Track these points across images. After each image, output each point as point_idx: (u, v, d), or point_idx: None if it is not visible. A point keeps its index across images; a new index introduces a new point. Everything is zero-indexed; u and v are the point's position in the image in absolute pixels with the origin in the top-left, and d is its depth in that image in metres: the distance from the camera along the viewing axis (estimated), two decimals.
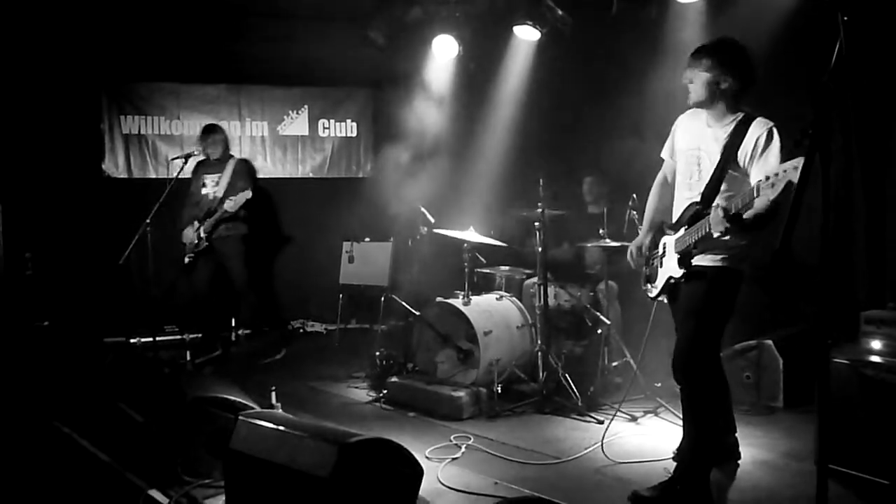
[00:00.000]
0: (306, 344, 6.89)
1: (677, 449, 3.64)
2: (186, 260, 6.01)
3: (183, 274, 6.07)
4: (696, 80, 3.14)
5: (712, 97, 3.13)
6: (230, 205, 5.79)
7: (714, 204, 3.07)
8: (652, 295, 3.54)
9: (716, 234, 2.96)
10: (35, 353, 5.81)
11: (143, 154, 7.08)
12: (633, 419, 4.32)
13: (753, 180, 3.00)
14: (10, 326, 5.98)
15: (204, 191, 6.08)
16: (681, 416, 4.18)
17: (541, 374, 4.71)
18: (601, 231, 4.96)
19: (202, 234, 5.91)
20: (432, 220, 5.60)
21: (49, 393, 4.85)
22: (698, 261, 3.20)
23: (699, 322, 3.18)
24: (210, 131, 6.16)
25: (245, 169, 6.22)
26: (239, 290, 6.12)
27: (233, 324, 6.45)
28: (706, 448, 3.22)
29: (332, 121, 7.69)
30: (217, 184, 6.04)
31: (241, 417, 2.95)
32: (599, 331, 4.91)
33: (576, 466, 3.68)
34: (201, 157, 6.12)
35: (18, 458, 3.84)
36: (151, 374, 4.43)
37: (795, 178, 2.47)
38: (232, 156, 6.23)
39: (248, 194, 5.78)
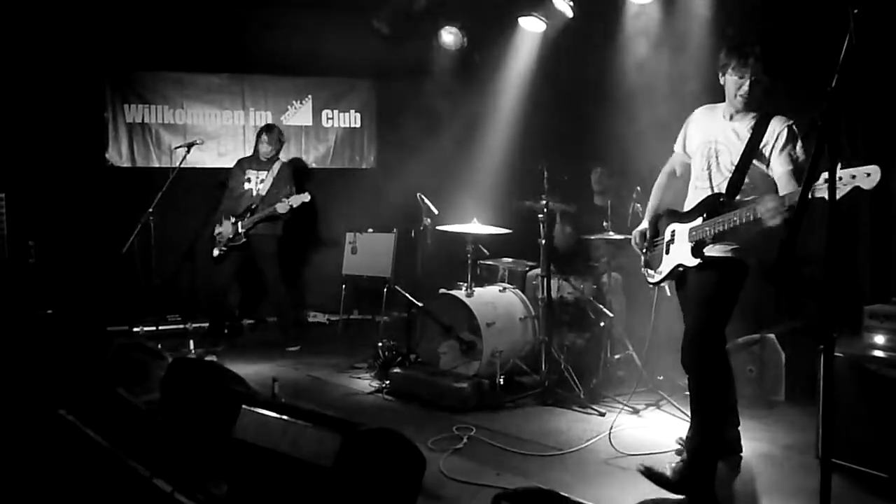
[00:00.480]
0: (309, 334, 6.90)
1: (681, 440, 3.66)
2: (216, 252, 6.00)
3: (186, 265, 6.07)
4: (732, 73, 3.11)
5: (744, 94, 3.11)
6: (283, 206, 5.81)
7: (738, 199, 3.10)
8: (653, 281, 3.54)
9: (770, 224, 2.84)
10: (38, 342, 5.81)
11: (146, 143, 7.08)
12: (635, 411, 4.32)
13: (773, 173, 3.06)
14: (14, 315, 5.99)
15: (247, 185, 6.09)
16: (682, 408, 4.23)
17: (543, 366, 4.72)
18: (605, 223, 4.95)
19: (240, 230, 5.91)
20: (435, 211, 5.60)
21: (52, 381, 4.85)
22: (709, 251, 3.20)
23: (710, 311, 3.19)
24: (268, 130, 6.20)
25: (289, 172, 6.26)
26: (271, 287, 6.15)
27: (236, 314, 6.46)
28: (713, 439, 3.21)
29: (335, 111, 7.66)
30: (262, 181, 6.07)
31: (244, 407, 2.95)
32: (602, 323, 4.91)
33: (577, 458, 3.69)
34: (249, 155, 6.13)
35: (22, 446, 3.85)
36: (154, 363, 4.44)
37: (865, 184, 2.38)
38: (279, 158, 6.25)
39: (306, 197, 5.84)
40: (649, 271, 3.58)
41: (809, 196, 2.49)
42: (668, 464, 3.28)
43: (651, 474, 3.21)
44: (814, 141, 1.95)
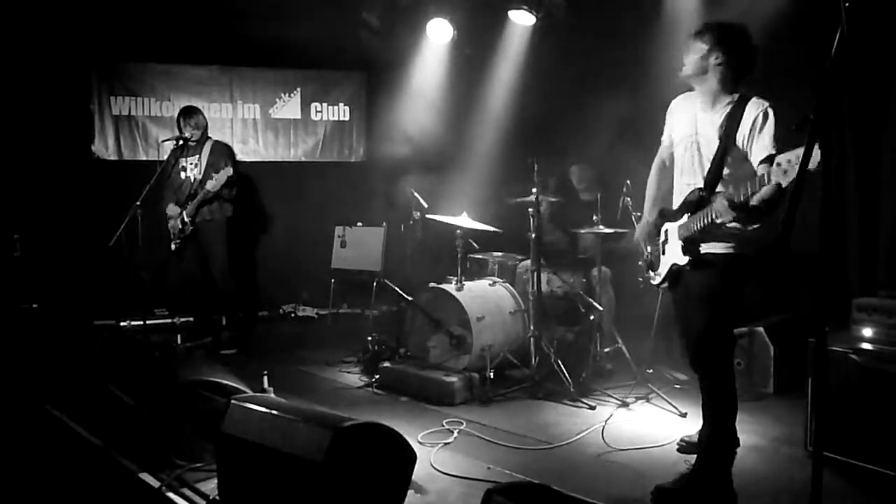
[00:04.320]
0: (298, 328, 6.87)
1: (682, 441, 3.65)
2: (173, 246, 5.91)
3: (172, 258, 6.01)
4: (689, 53, 3.10)
5: (701, 71, 3.07)
6: (211, 184, 5.63)
7: (718, 190, 3.04)
8: (656, 282, 3.47)
9: (724, 222, 2.88)
10: (24, 336, 5.77)
11: (133, 136, 7.01)
12: (625, 405, 4.33)
13: (753, 161, 2.96)
14: None
15: (183, 175, 5.93)
16: (671, 401, 4.24)
17: (533, 360, 4.72)
18: (595, 217, 4.95)
19: (186, 219, 5.80)
20: (425, 205, 5.58)
21: (39, 376, 4.82)
22: (707, 248, 3.11)
23: (716, 309, 3.10)
24: (190, 113, 5.97)
25: (222, 149, 6.04)
26: (218, 278, 5.90)
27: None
28: (728, 437, 3.15)
29: (324, 104, 7.62)
30: (196, 166, 5.89)
31: (233, 401, 2.93)
32: (592, 317, 4.91)
33: (568, 451, 3.69)
34: (187, 139, 5.89)
35: (9, 442, 3.82)
36: (142, 357, 4.41)
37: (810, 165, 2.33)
38: (209, 137, 6.06)
39: (230, 171, 5.62)
40: (651, 273, 3.51)
41: (767, 181, 2.57)
42: (676, 475, 3.18)
43: (665, 493, 3.07)
44: (806, 135, 1.94)
